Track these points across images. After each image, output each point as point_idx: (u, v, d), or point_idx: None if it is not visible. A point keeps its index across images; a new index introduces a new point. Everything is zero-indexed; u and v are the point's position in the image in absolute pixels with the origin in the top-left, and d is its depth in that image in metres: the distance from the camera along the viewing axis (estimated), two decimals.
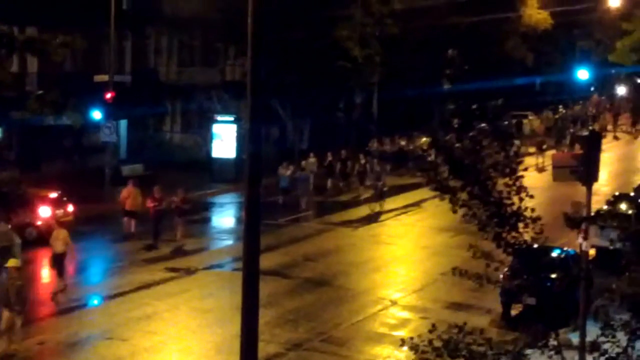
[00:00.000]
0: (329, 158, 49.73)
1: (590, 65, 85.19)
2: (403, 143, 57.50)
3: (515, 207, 11.14)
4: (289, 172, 44.86)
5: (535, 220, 11.29)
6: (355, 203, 45.61)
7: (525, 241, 11.27)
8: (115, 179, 45.74)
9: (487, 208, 11.05)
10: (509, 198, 11.11)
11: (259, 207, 13.32)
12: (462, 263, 11.73)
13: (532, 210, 11.45)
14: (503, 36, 75.63)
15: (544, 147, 60.30)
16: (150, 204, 35.87)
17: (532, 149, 61.32)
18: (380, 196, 43.60)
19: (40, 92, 38.38)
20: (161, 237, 35.76)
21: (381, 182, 44.09)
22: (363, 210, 43.16)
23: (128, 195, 36.97)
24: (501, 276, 23.18)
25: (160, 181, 39.11)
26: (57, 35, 36.81)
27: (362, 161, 50.28)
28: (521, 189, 11.14)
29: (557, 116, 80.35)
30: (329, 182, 48.96)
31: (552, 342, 11.77)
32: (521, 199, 11.14)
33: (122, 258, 33.57)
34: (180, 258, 33.71)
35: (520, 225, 11.25)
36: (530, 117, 77.41)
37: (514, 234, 11.17)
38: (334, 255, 35.36)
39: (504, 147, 11.28)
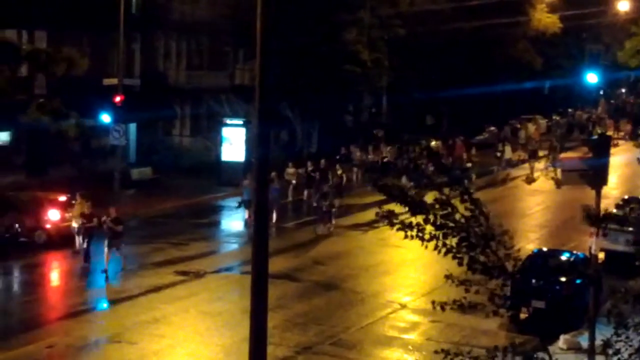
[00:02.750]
0: (309, 168, 47.61)
1: (599, 69, 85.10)
2: (386, 153, 54.87)
3: (483, 228, 11.10)
4: (253, 185, 41.60)
5: (504, 233, 11.22)
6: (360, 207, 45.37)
7: (500, 260, 11.20)
8: (125, 183, 45.86)
9: (454, 235, 11.05)
10: (476, 220, 11.08)
11: (268, 211, 13.33)
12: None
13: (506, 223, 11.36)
14: (512, 40, 75.54)
15: (538, 154, 59.09)
16: (80, 220, 33.07)
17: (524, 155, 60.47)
18: (324, 217, 39.72)
19: (42, 100, 38.41)
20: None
21: (327, 202, 39.86)
22: (370, 215, 43.04)
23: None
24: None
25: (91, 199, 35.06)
26: (62, 49, 36.88)
27: (339, 172, 46.58)
28: (482, 213, 11.10)
29: (561, 121, 79.05)
30: (305, 193, 46.15)
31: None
32: (487, 219, 11.09)
33: (132, 261, 33.53)
34: (189, 261, 33.68)
35: (493, 244, 11.19)
36: (528, 123, 75.75)
37: (487, 253, 11.11)
38: (343, 259, 35.33)
39: (456, 180, 11.27)
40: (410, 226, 11.10)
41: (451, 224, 10.98)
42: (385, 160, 52.99)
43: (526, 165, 58.76)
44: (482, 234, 11.02)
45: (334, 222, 40.11)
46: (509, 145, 61.66)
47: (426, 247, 11.21)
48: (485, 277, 11.23)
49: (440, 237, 11.01)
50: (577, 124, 79.01)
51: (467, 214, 11.02)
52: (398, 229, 11.15)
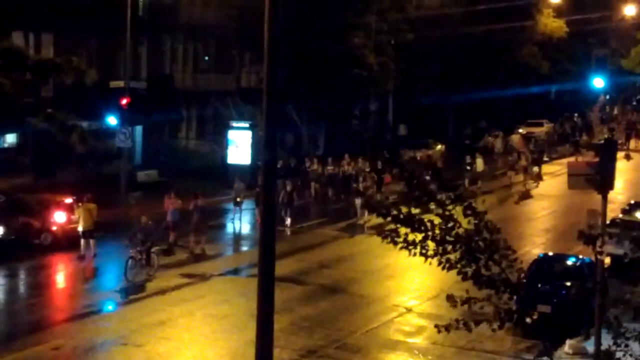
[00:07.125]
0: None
1: (606, 73, 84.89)
2: (347, 166, 49.70)
3: (487, 242, 11.03)
4: (177, 204, 37.08)
5: (508, 249, 11.15)
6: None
7: (504, 272, 11.15)
8: (131, 185, 45.91)
9: (456, 248, 11.01)
10: (478, 233, 11.01)
11: (275, 214, 13.36)
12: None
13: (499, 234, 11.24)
14: (518, 44, 75.40)
15: (517, 167, 54.31)
16: None
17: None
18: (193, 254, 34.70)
19: (49, 110, 38.38)
20: None
21: (192, 235, 35.21)
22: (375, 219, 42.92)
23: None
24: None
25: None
26: (70, 59, 36.90)
27: (288, 187, 41.66)
28: (486, 226, 11.03)
29: (549, 129, 76.18)
30: (257, 212, 39.35)
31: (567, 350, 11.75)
32: (491, 232, 11.02)
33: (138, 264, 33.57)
34: (195, 264, 33.69)
35: (496, 257, 11.11)
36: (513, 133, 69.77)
37: (490, 266, 11.05)
38: (348, 262, 35.34)
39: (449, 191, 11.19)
40: (413, 244, 11.07)
41: (451, 238, 10.91)
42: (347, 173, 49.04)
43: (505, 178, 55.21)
44: (485, 246, 10.96)
45: (154, 266, 32.03)
46: (480, 157, 54.27)
47: (430, 263, 11.18)
48: (489, 292, 11.18)
49: (441, 252, 10.97)
50: (561, 132, 75.69)
51: (470, 227, 10.95)
52: (401, 248, 11.13)
